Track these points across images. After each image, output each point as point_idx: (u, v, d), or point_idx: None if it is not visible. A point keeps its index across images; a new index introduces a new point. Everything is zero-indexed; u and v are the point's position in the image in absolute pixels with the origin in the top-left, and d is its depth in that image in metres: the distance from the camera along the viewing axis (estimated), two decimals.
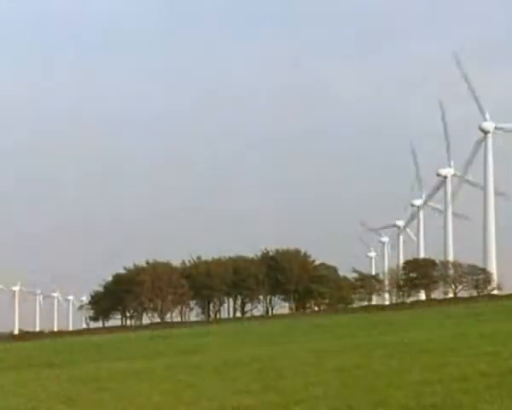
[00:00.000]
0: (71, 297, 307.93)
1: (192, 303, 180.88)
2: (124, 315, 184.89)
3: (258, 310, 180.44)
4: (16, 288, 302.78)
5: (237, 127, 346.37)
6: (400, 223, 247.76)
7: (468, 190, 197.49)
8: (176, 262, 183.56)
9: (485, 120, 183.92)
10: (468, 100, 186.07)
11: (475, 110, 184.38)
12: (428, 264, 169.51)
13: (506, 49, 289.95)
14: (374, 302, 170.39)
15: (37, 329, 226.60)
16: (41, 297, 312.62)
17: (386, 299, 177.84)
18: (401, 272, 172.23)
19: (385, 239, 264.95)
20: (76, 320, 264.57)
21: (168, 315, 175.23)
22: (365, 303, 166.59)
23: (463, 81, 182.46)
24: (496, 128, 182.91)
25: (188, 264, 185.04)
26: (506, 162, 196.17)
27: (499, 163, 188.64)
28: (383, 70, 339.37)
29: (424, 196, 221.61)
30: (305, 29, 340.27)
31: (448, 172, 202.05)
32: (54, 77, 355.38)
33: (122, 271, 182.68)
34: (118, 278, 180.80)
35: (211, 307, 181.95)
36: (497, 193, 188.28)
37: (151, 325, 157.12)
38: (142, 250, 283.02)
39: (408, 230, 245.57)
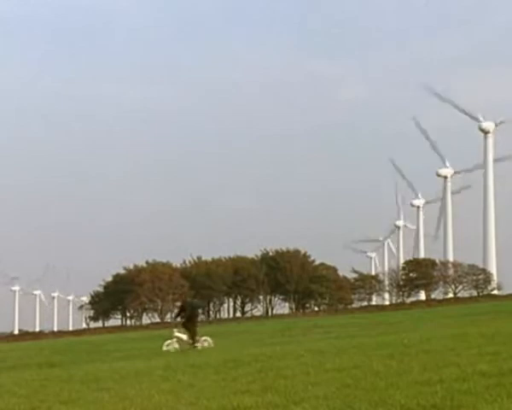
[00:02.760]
0: (71, 297, 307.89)
1: None
2: (124, 315, 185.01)
3: (259, 310, 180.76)
4: (16, 288, 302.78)
5: (237, 127, 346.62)
6: (400, 223, 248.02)
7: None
8: (176, 262, 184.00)
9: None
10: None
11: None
12: (428, 264, 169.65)
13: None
14: (374, 302, 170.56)
15: (37, 329, 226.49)
16: None
17: (386, 299, 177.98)
18: (401, 272, 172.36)
19: (385, 240, 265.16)
20: (76, 320, 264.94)
21: (168, 315, 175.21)
22: (365, 303, 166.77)
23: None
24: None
25: (188, 264, 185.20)
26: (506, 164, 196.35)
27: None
28: (383, 70, 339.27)
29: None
30: (305, 29, 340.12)
31: (448, 172, 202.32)
32: (51, 76, 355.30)
33: (122, 271, 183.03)
34: (118, 278, 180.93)
35: (211, 307, 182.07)
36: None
37: (151, 325, 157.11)
38: (142, 250, 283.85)
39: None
